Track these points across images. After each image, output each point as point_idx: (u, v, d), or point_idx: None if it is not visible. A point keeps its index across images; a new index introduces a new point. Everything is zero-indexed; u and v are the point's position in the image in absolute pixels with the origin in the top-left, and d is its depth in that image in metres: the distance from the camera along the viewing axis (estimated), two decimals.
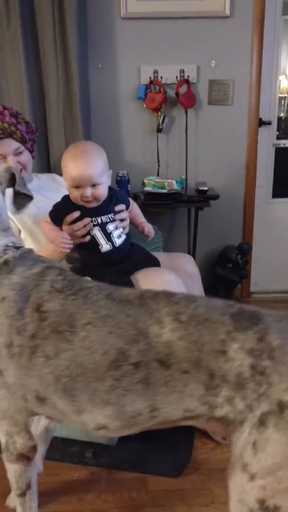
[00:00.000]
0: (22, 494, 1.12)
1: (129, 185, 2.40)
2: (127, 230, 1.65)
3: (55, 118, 2.35)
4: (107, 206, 1.58)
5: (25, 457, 1.07)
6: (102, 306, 0.93)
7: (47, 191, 1.84)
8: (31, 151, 1.82)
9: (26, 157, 1.76)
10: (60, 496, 1.48)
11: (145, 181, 2.37)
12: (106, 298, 0.95)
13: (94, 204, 1.54)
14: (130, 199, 1.72)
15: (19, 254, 1.05)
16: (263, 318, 0.89)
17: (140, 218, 1.74)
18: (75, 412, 0.95)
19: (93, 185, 1.50)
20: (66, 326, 0.92)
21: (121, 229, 1.61)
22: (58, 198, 1.70)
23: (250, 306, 0.96)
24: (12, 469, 1.09)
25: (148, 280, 1.56)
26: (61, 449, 1.64)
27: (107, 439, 1.59)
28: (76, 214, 1.54)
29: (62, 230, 1.56)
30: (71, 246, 1.53)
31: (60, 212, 1.56)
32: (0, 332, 0.95)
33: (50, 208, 1.62)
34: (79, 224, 1.53)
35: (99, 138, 2.42)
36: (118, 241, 1.58)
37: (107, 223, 1.57)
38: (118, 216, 1.60)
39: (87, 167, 1.47)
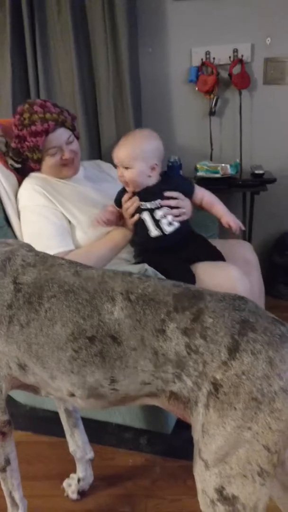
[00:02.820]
0: (2, 469, 1.16)
1: (181, 171, 2.35)
2: (183, 218, 1.59)
3: (105, 104, 2.34)
4: (154, 193, 1.57)
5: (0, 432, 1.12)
6: (67, 282, 1.00)
7: (93, 181, 1.81)
8: (77, 138, 1.79)
9: (76, 145, 1.73)
10: (114, 480, 1.47)
11: (198, 166, 2.31)
12: (73, 274, 1.01)
13: (131, 188, 1.59)
14: (198, 187, 1.67)
15: None
16: (204, 298, 0.90)
17: (216, 207, 1.67)
18: (50, 378, 1.00)
19: (126, 168, 1.55)
20: (36, 298, 0.99)
21: (170, 217, 1.57)
22: (105, 188, 1.74)
23: (198, 287, 0.97)
24: None
25: (212, 274, 1.51)
26: (116, 434, 1.63)
27: (162, 426, 1.56)
28: (129, 195, 1.60)
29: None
30: (103, 225, 1.60)
31: (119, 195, 1.65)
32: None
33: (98, 198, 1.69)
34: (128, 203, 1.59)
35: (150, 123, 2.39)
36: (168, 229, 1.56)
37: (154, 209, 1.57)
38: (165, 203, 1.57)
39: (119, 149, 1.56)
